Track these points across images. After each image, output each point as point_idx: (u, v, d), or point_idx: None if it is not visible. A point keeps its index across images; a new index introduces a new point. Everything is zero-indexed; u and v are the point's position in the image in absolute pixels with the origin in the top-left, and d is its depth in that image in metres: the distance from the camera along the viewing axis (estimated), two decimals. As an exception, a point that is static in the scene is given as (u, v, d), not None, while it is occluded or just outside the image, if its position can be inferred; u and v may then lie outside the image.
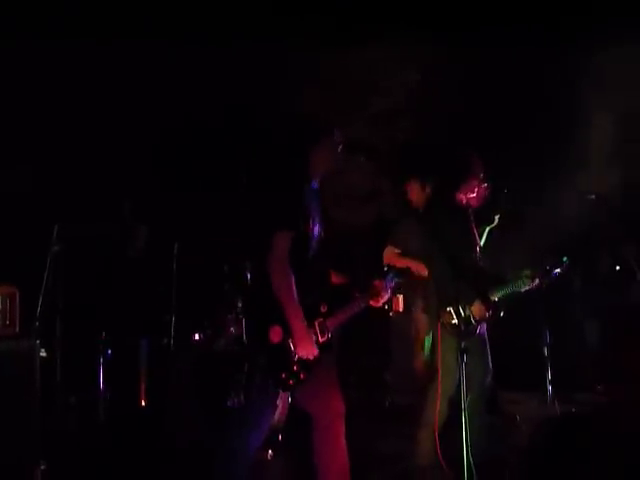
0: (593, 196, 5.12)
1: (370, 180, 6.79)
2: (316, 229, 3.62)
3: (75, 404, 5.24)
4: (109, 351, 5.34)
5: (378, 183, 6.83)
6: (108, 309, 5.56)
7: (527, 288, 4.32)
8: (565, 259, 4.32)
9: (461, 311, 4.17)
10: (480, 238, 4.62)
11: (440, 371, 4.25)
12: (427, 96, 6.45)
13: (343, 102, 6.72)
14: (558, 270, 4.29)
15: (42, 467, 4.01)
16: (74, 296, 4.83)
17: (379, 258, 5.31)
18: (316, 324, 3.56)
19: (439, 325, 4.20)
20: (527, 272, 4.29)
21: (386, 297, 3.81)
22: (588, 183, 5.56)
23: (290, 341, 3.47)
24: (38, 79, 5.39)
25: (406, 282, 6.07)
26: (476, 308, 4.18)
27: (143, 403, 5.51)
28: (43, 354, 4.26)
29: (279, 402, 4.21)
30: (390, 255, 5.67)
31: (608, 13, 5.80)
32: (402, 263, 5.87)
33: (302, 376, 3.51)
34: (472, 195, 4.46)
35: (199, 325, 5.45)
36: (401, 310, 6.71)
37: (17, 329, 4.27)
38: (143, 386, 5.50)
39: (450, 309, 4.15)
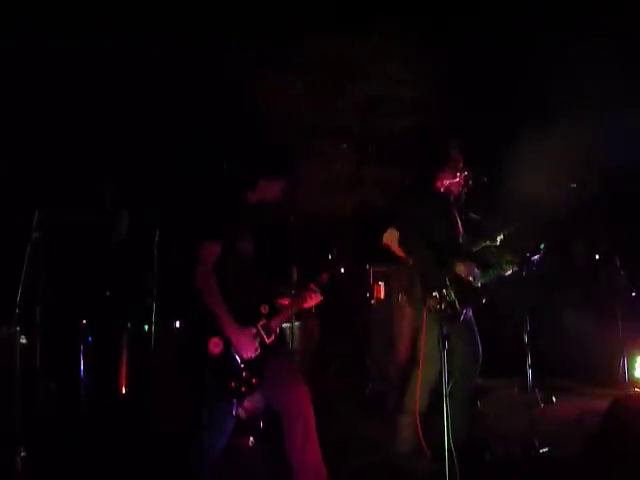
0: (574, 185, 5.16)
1: (353, 168, 6.81)
2: (247, 242, 3.63)
3: (55, 391, 5.21)
4: (90, 338, 5.31)
5: (361, 171, 6.85)
6: (89, 296, 5.52)
7: (508, 273, 4.38)
8: (542, 246, 4.38)
9: (446, 295, 4.17)
10: (476, 246, 4.64)
11: (422, 358, 4.27)
12: (410, 84, 6.46)
13: (326, 90, 6.71)
14: (537, 257, 4.37)
15: (22, 454, 3.99)
16: (54, 283, 4.79)
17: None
18: (259, 326, 3.57)
19: (424, 311, 4.20)
20: (508, 258, 4.34)
21: (315, 300, 3.76)
22: (568, 172, 5.60)
23: (232, 349, 3.48)
24: (15, 67, 5.33)
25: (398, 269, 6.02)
26: (461, 268, 4.20)
27: (124, 390, 5.49)
28: (23, 341, 4.22)
29: (241, 410, 4.20)
30: (391, 238, 5.57)
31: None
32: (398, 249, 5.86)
33: (254, 381, 3.51)
34: (451, 182, 4.45)
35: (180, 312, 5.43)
36: (382, 297, 6.75)
37: (-3, 316, 4.24)
38: (124, 373, 5.48)
39: (435, 294, 4.15)
